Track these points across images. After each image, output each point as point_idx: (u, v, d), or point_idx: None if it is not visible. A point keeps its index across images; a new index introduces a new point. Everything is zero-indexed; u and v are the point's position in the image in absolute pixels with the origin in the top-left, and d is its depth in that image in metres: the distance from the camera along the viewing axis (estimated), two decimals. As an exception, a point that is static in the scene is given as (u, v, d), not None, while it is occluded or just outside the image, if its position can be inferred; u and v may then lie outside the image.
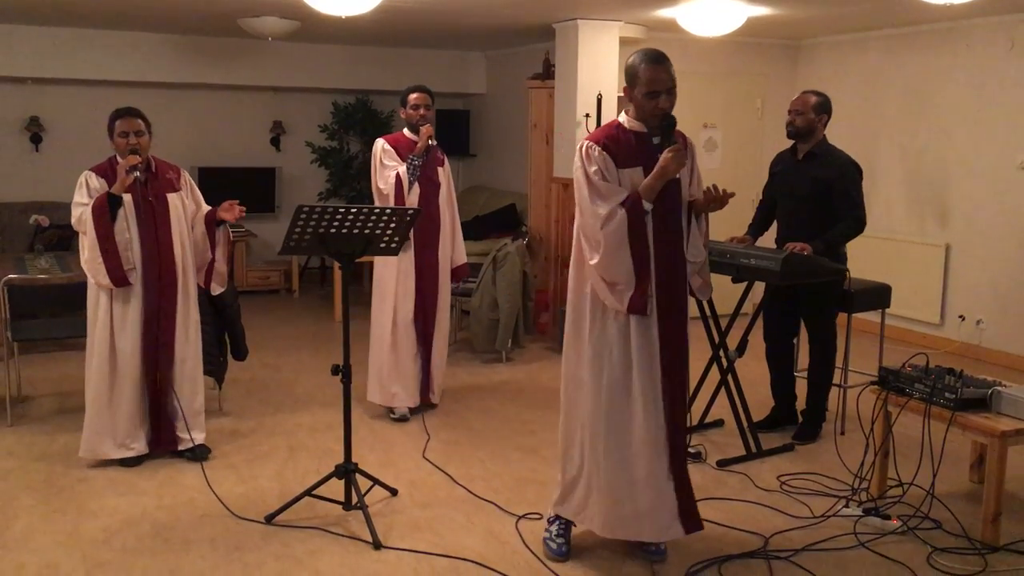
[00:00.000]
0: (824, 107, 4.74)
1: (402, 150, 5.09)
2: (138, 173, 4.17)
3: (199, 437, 4.52)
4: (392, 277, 5.12)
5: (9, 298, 5.05)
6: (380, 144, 5.13)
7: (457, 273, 5.45)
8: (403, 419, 5.17)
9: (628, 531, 3.41)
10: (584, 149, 3.30)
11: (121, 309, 4.27)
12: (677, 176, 3.32)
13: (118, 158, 4.26)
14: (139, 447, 4.41)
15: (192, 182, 4.54)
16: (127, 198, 4.23)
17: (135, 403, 4.35)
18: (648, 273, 3.25)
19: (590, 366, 3.36)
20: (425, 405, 5.28)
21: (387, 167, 5.06)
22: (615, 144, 3.30)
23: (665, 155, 3.22)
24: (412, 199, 5.05)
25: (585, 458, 3.43)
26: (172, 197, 4.36)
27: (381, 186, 5.06)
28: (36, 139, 8.58)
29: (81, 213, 4.20)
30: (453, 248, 5.37)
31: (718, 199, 3.38)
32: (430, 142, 5.12)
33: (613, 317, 3.31)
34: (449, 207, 5.31)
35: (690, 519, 3.42)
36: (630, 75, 3.31)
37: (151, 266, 4.28)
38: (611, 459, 3.34)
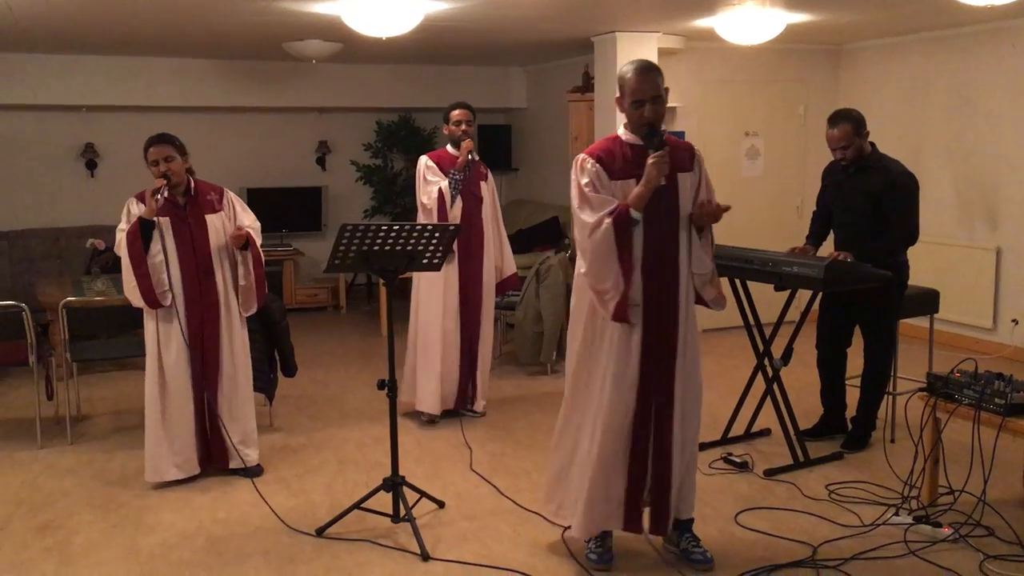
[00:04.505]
0: (859, 128, 4.61)
1: (445, 165, 5.28)
2: (161, 196, 4.19)
3: (253, 456, 4.59)
4: (439, 289, 5.27)
5: (67, 320, 5.20)
6: (423, 160, 5.34)
7: (507, 283, 5.62)
8: (431, 422, 5.37)
9: (601, 523, 3.50)
10: (579, 162, 3.34)
11: (165, 330, 4.36)
12: (673, 186, 3.31)
13: None
14: (192, 467, 4.49)
15: (237, 201, 4.54)
16: (165, 221, 4.29)
17: (187, 422, 4.44)
18: (631, 282, 3.27)
19: (576, 372, 3.46)
20: (465, 414, 5.44)
21: (430, 182, 5.26)
22: (610, 157, 3.33)
23: (648, 162, 3.22)
24: (455, 213, 5.23)
25: (561, 454, 3.58)
26: (211, 218, 4.40)
27: (424, 200, 5.25)
28: (91, 165, 8.84)
29: (120, 239, 4.30)
30: (502, 259, 5.55)
31: (709, 212, 3.33)
32: (473, 157, 5.31)
33: (605, 325, 3.36)
34: (493, 220, 5.48)
35: (632, 520, 3.47)
36: (619, 85, 3.33)
37: (192, 287, 4.35)
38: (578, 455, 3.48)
